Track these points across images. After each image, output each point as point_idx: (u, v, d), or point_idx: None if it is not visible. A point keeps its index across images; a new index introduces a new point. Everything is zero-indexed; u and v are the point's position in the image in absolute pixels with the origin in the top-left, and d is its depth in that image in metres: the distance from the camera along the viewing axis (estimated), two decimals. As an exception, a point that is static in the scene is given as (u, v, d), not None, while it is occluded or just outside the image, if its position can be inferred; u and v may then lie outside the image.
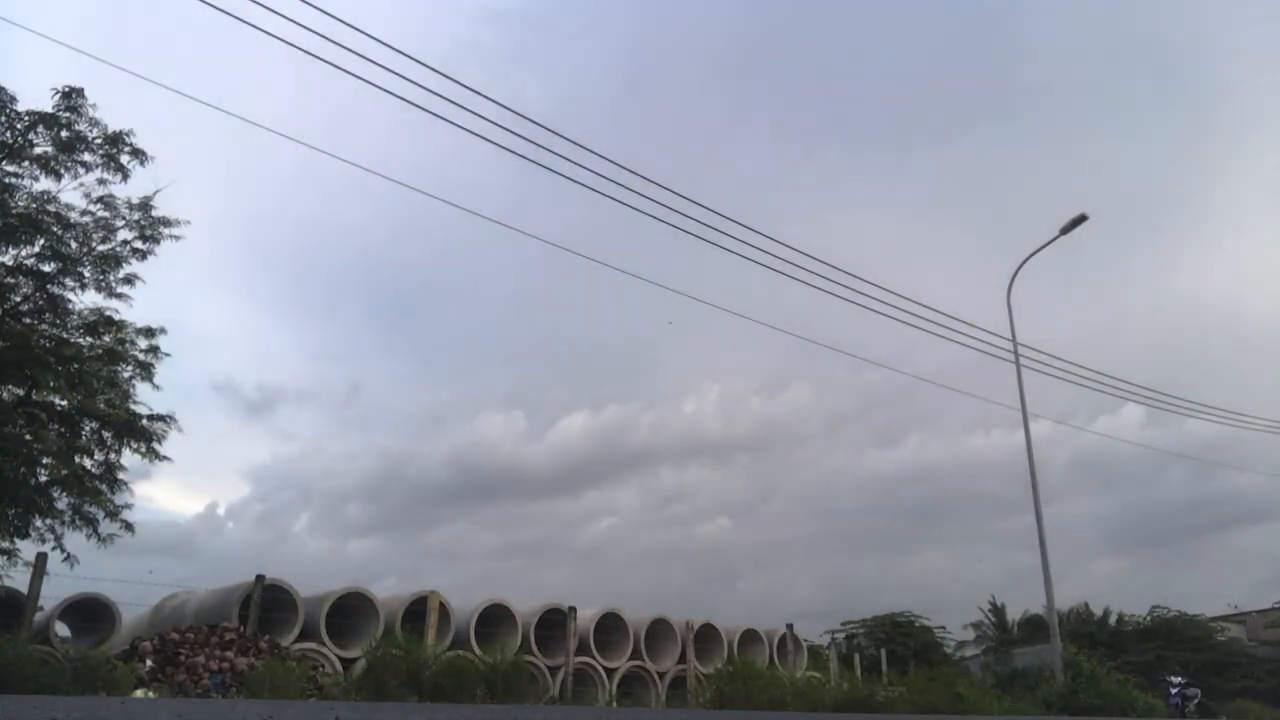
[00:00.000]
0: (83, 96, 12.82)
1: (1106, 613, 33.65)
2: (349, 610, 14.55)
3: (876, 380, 72.55)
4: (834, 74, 73.31)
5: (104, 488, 13.17)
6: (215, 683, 11.20)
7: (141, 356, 13.88)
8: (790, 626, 21.16)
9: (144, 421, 13.56)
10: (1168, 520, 58.67)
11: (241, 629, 12.47)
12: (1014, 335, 20.79)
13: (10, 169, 12.73)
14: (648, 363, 73.78)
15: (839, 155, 73.72)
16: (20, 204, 12.69)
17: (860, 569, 57.11)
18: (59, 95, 12.72)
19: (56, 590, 12.25)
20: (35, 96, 13.02)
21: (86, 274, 13.26)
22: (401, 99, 11.73)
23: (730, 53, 71.59)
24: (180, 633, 11.99)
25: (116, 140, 13.09)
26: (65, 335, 13.21)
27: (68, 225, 13.01)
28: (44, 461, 12.76)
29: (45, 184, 12.95)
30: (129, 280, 13.61)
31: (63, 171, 12.99)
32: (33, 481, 12.45)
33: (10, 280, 12.82)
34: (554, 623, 16.33)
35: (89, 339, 13.53)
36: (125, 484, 13.57)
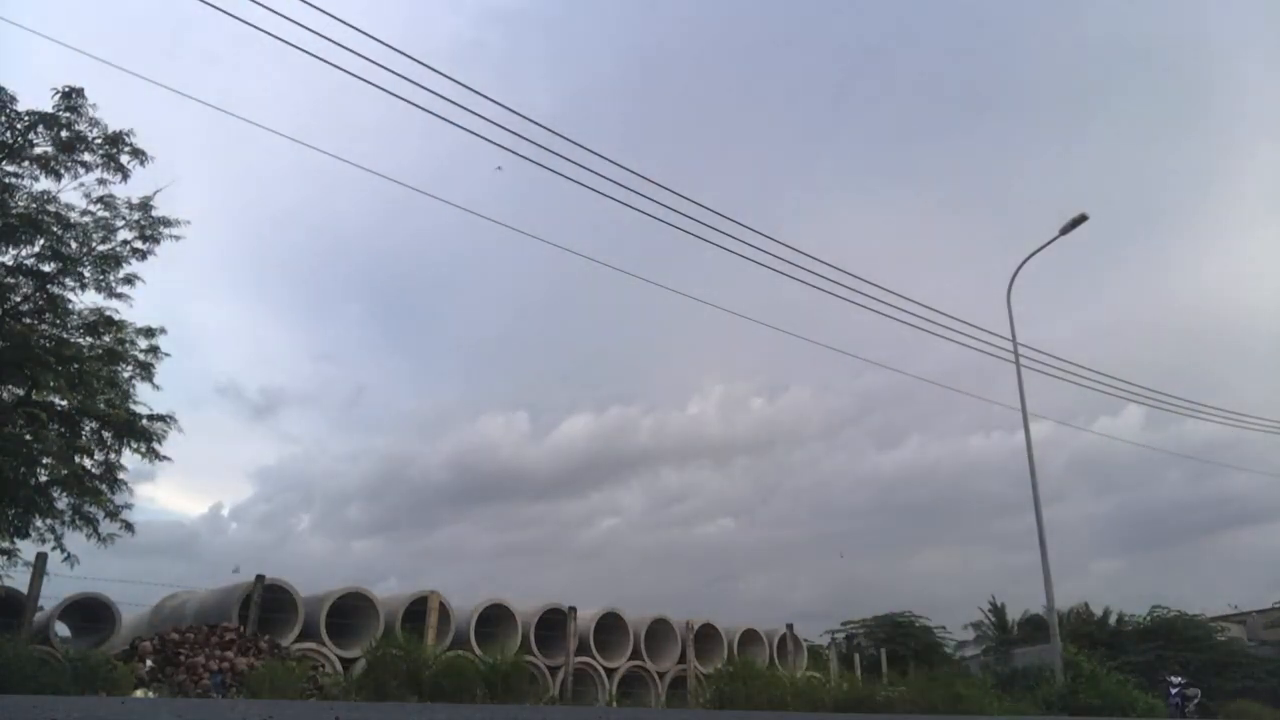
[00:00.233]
0: (83, 96, 12.82)
1: (1106, 613, 33.64)
2: (349, 610, 14.55)
3: (877, 382, 72.61)
4: (834, 74, 73.33)
5: (104, 488, 13.16)
6: (215, 683, 11.20)
7: (141, 356, 13.88)
8: (790, 626, 21.16)
9: (144, 421, 13.55)
10: (1167, 521, 58.74)
11: (241, 629, 12.47)
12: (1014, 335, 20.81)
13: (10, 169, 12.72)
14: (649, 364, 73.89)
15: (839, 156, 73.76)
16: (20, 204, 12.69)
17: (860, 569, 57.11)
18: (59, 95, 12.72)
19: (56, 590, 12.27)
20: (35, 96, 13.03)
21: (86, 274, 13.26)
22: (404, 100, 11.75)
23: (731, 53, 71.62)
24: (180, 633, 11.99)
25: (116, 140, 13.09)
26: (65, 335, 13.20)
27: (68, 225, 13.00)
28: (44, 461, 12.76)
29: (45, 184, 12.97)
30: (129, 280, 13.61)
31: (63, 171, 12.99)
32: (33, 481, 12.45)
33: (10, 280, 12.82)
34: (554, 623, 16.33)
35: (89, 339, 13.52)
36: (125, 484, 13.58)
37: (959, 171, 69.10)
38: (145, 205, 13.54)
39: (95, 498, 12.88)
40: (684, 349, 72.73)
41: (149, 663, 11.27)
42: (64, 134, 12.82)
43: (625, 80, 72.32)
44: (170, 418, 13.78)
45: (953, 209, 68.42)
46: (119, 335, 13.64)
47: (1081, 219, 20.36)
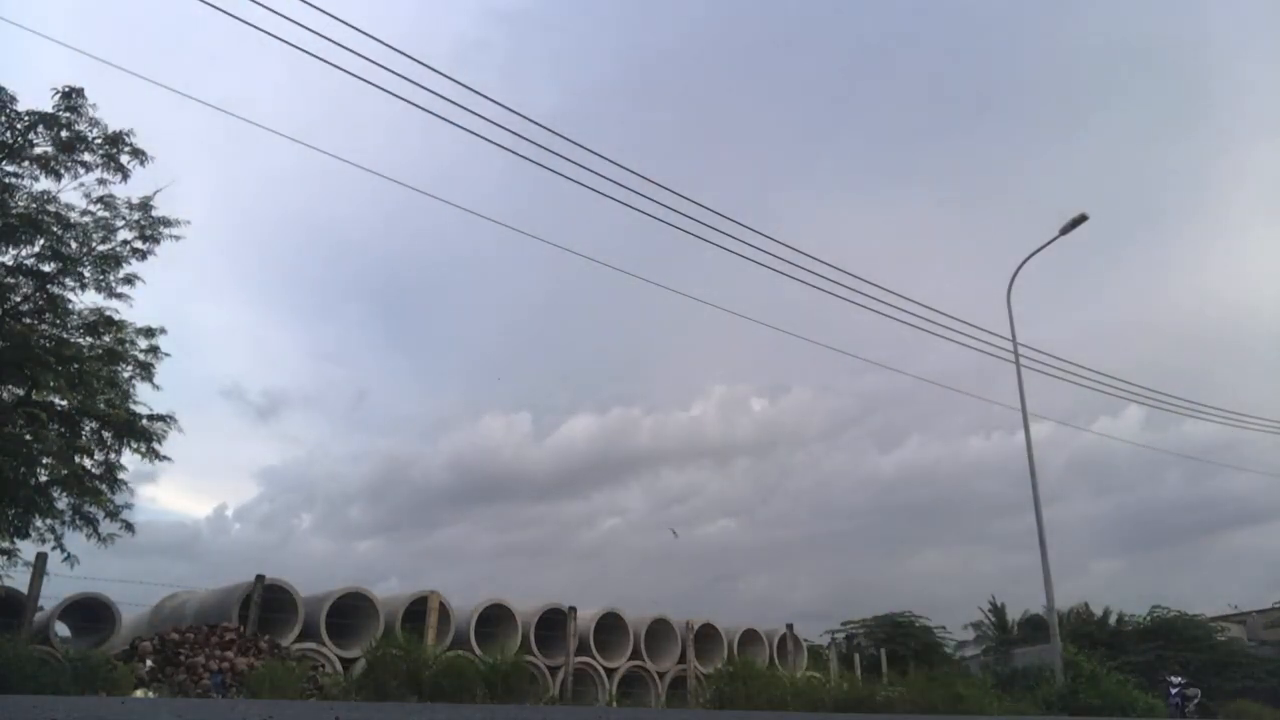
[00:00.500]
0: (83, 96, 12.82)
1: (1106, 613, 33.63)
2: (349, 610, 14.55)
3: (877, 383, 72.75)
4: (835, 74, 73.32)
5: (104, 488, 13.16)
6: (215, 683, 11.20)
7: (141, 356, 13.87)
8: (790, 626, 21.16)
9: (144, 421, 13.54)
10: (1167, 521, 58.77)
11: (241, 629, 12.47)
12: (1014, 335, 20.81)
13: (10, 169, 12.72)
14: (651, 365, 73.90)
15: (839, 156, 73.75)
16: (20, 204, 12.68)
17: (860, 569, 57.14)
18: (59, 95, 12.71)
19: (56, 590, 12.26)
20: (35, 96, 13.03)
21: (86, 274, 13.25)
22: (406, 101, 11.75)
23: (732, 53, 71.62)
24: (180, 633, 11.99)
25: (116, 140, 13.09)
26: (65, 335, 13.20)
27: (68, 225, 12.99)
28: (44, 461, 12.75)
29: (45, 184, 12.96)
30: (129, 280, 13.60)
31: (63, 171, 12.98)
32: (33, 481, 12.44)
33: (10, 280, 12.81)
34: (554, 623, 16.33)
35: (89, 339, 13.52)
36: (125, 484, 13.57)
37: (959, 171, 69.15)
38: (145, 205, 13.54)
39: (95, 498, 12.87)
40: (685, 350, 72.81)
41: (149, 663, 11.27)
42: (64, 134, 12.82)
43: (627, 80, 72.36)
44: (170, 418, 13.78)
45: (953, 209, 68.46)
46: (119, 335, 13.63)
47: (1081, 219, 20.36)
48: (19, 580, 12.53)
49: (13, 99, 12.49)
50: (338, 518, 58.29)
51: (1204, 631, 31.10)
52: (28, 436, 12.46)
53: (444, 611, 14.93)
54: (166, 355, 14.03)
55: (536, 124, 12.97)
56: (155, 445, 13.62)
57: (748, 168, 69.79)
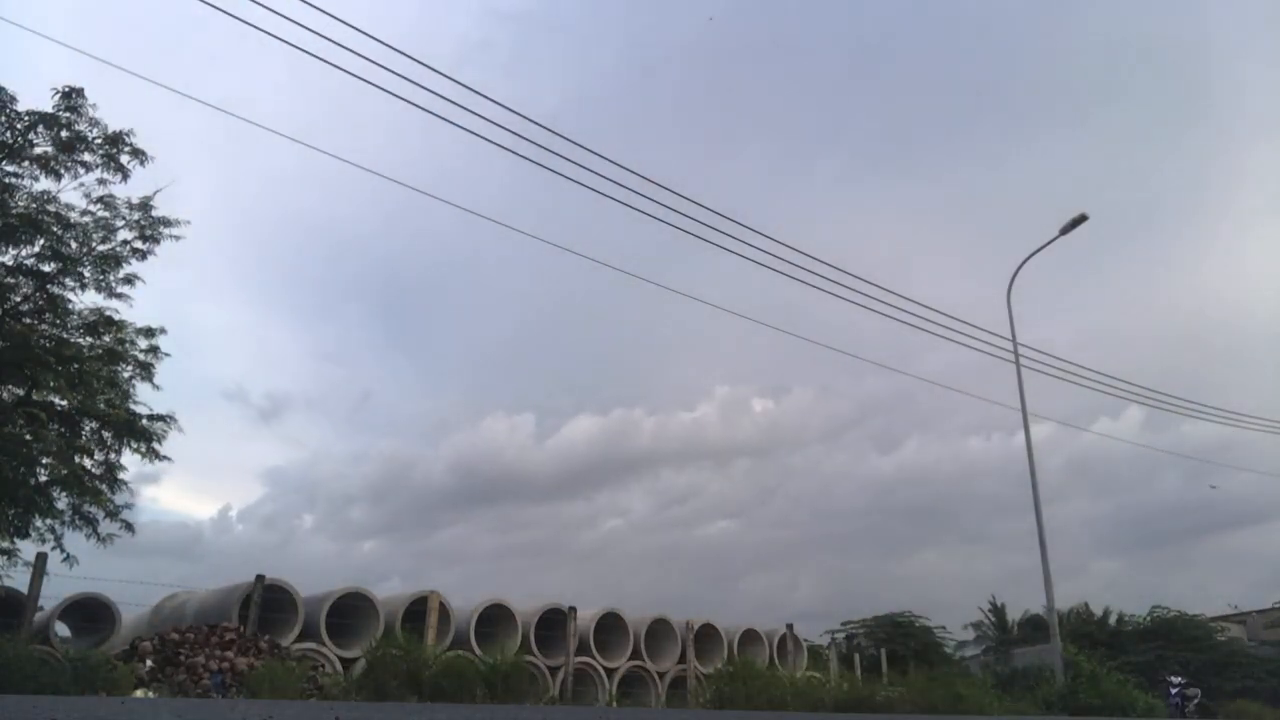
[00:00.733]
0: (83, 96, 12.81)
1: (1106, 613, 33.64)
2: (349, 610, 14.54)
3: (878, 384, 72.75)
4: (836, 75, 73.32)
5: (104, 488, 13.15)
6: (215, 683, 11.19)
7: (141, 356, 13.86)
8: (790, 626, 21.16)
9: (144, 421, 13.54)
10: (1166, 521, 58.78)
11: (241, 629, 12.46)
12: (1014, 335, 20.82)
13: (10, 169, 12.71)
14: (652, 366, 73.90)
15: (840, 156, 73.75)
16: (20, 204, 12.68)
17: (861, 570, 57.15)
18: (59, 95, 12.71)
19: (56, 590, 12.25)
20: (35, 96, 13.03)
21: (86, 274, 13.24)
22: (407, 101, 11.75)
23: (734, 54, 71.60)
24: (180, 633, 11.99)
25: (116, 140, 13.08)
26: (65, 335, 13.19)
27: (68, 225, 12.99)
28: (44, 461, 12.74)
29: (45, 184, 12.95)
30: (129, 280, 13.59)
31: (63, 171, 12.98)
32: (33, 481, 12.43)
33: (10, 280, 12.80)
34: (554, 623, 16.32)
35: (89, 339, 13.51)
36: (125, 484, 13.56)
37: (960, 172, 69.13)
38: (145, 205, 13.53)
39: (95, 498, 12.86)
40: (687, 351, 72.85)
41: (149, 663, 11.27)
42: (64, 134, 12.81)
43: (629, 80, 72.35)
44: (170, 418, 13.77)
45: (953, 209, 68.45)
46: (119, 335, 13.62)
47: (1081, 219, 20.36)
48: (19, 580, 12.54)
49: (13, 99, 12.49)
50: (340, 518, 58.45)
51: (1204, 631, 31.11)
52: (28, 436, 12.44)
53: (444, 611, 14.93)
54: (167, 355, 14.05)
55: (538, 125, 12.98)
56: (155, 445, 13.62)
57: (749, 168, 69.84)
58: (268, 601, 13.28)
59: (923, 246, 66.38)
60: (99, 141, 13.04)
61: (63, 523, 12.82)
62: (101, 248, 13.32)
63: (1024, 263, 21.37)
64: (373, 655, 11.60)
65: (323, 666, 13.03)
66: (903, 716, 12.89)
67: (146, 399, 13.93)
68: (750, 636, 19.93)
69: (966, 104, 70.38)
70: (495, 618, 15.96)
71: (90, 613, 13.41)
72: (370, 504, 59.83)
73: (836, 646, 27.39)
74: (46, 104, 12.70)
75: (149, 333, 13.87)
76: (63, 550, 12.71)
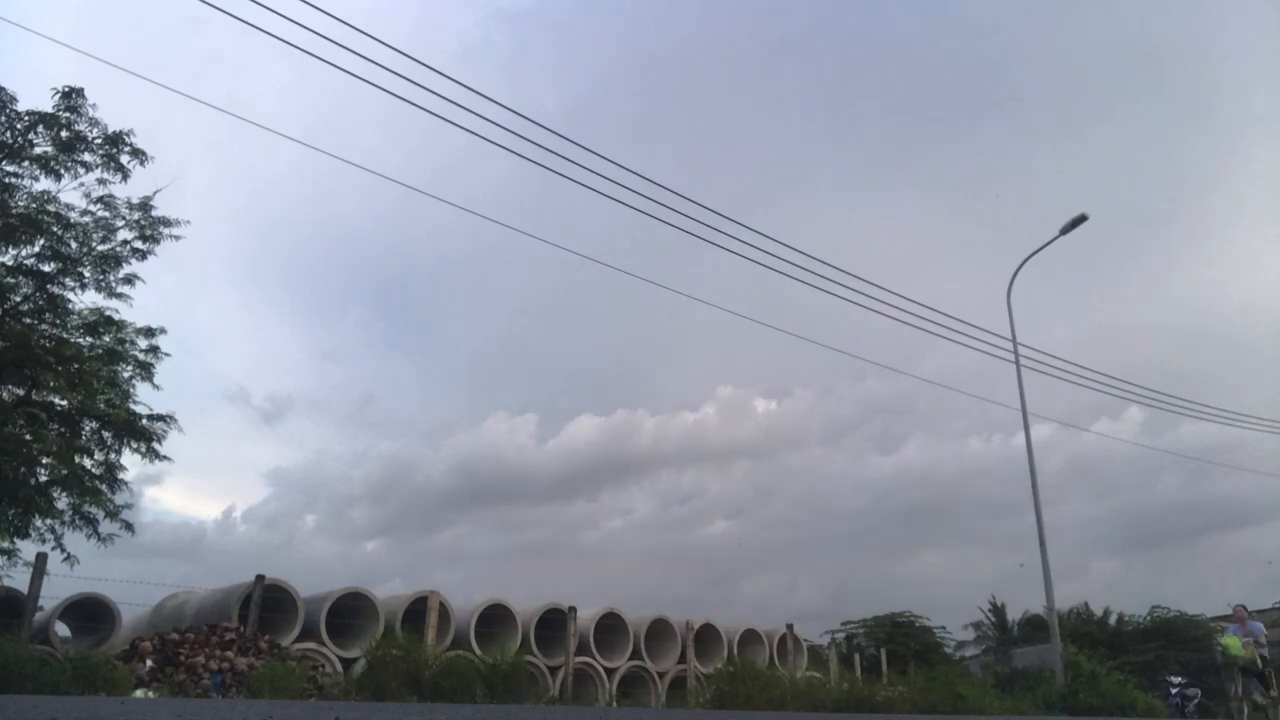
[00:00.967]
0: (83, 96, 12.82)
1: (1106, 613, 33.64)
2: (349, 610, 14.54)
3: (879, 386, 72.79)
4: (838, 75, 73.28)
5: (104, 488, 13.15)
6: (215, 683, 11.19)
7: (141, 356, 13.88)
8: (790, 626, 21.15)
9: (144, 421, 13.55)
10: (1165, 522, 58.79)
11: (241, 629, 12.46)
12: (1014, 335, 20.81)
13: (10, 169, 12.72)
14: (654, 368, 73.94)
15: (842, 156, 73.72)
16: (20, 204, 12.68)
17: (861, 570, 57.17)
18: (59, 95, 12.72)
19: (57, 590, 12.25)
20: (35, 96, 13.03)
21: (86, 274, 13.26)
22: (408, 102, 11.74)
23: (736, 55, 71.58)
24: (180, 633, 11.98)
25: (116, 140, 13.09)
26: (65, 335, 13.19)
27: (68, 225, 12.99)
28: (44, 461, 12.74)
29: (45, 184, 12.96)
30: (129, 280, 13.62)
31: (63, 171, 12.98)
32: (33, 481, 12.43)
33: (10, 280, 12.81)
34: (554, 623, 16.32)
35: (89, 339, 13.52)
36: (125, 484, 13.57)
37: (961, 172, 69.13)
38: (145, 205, 13.54)
39: (95, 498, 12.86)
40: (689, 352, 72.90)
41: (149, 663, 11.26)
42: (64, 134, 12.82)
43: (631, 80, 72.34)
44: (170, 418, 13.78)
45: (954, 210, 68.43)
46: (119, 335, 13.64)
47: (1081, 219, 20.35)
48: (19, 580, 12.54)
49: (13, 99, 12.50)
50: (342, 519, 58.49)
51: (1204, 631, 31.07)
52: (28, 436, 12.44)
53: (444, 611, 14.92)
54: (166, 355, 14.07)
55: (540, 125, 12.98)
56: (155, 445, 13.64)
57: (751, 168, 69.84)
58: (268, 601, 13.28)
59: (924, 247, 66.42)
60: (99, 141, 13.05)
61: (63, 523, 12.82)
62: (101, 248, 13.32)
63: (1024, 263, 21.38)
64: (373, 655, 11.59)
65: (323, 666, 13.02)
66: (903, 716, 12.88)
67: (146, 399, 13.96)
68: (750, 636, 19.92)
69: (968, 105, 70.39)
70: (495, 618, 15.95)
71: (90, 613, 13.40)
72: (372, 504, 59.94)
73: (836, 646, 27.41)
74: (46, 104, 12.74)
75: (149, 332, 13.89)
76: (63, 550, 12.72)
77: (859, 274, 17.68)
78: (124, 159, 13.19)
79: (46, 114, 12.66)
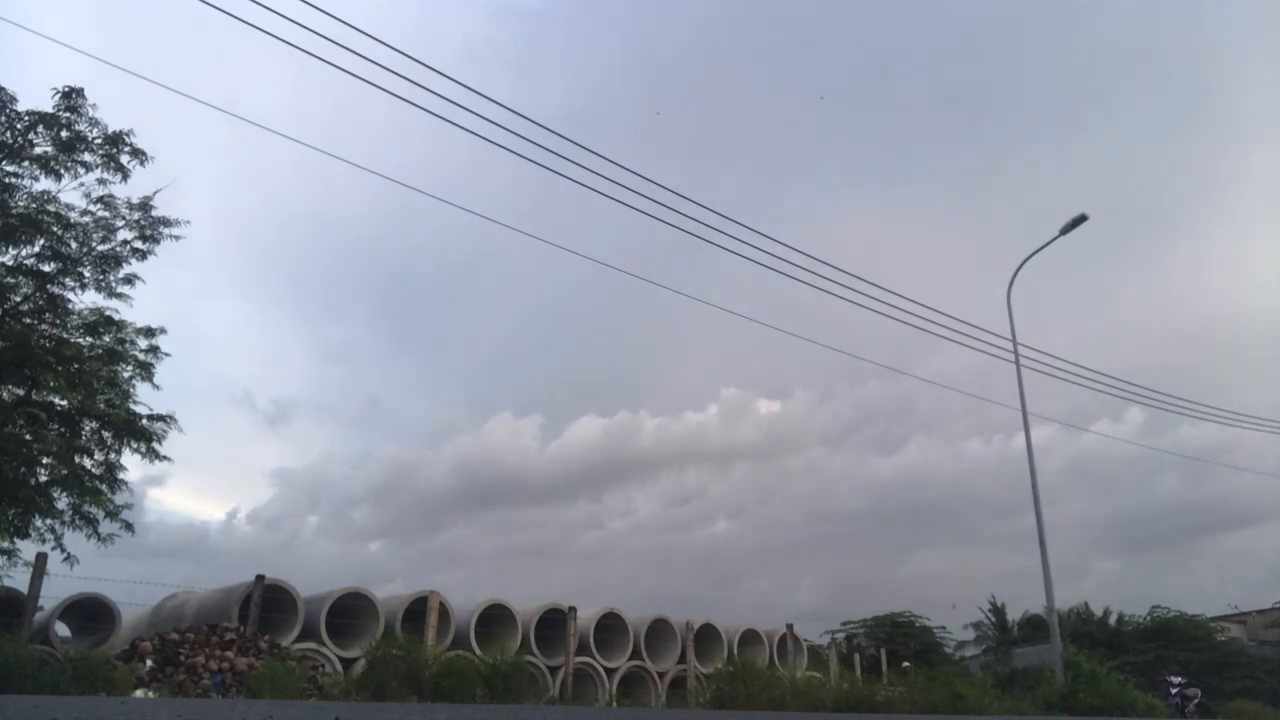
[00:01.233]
0: (83, 96, 12.81)
1: (1106, 613, 33.64)
2: (349, 610, 14.54)
3: (880, 388, 72.80)
4: (839, 76, 73.28)
5: (104, 488, 13.14)
6: (215, 683, 11.19)
7: (141, 356, 13.86)
8: (790, 626, 21.15)
9: (144, 421, 13.54)
10: (1165, 522, 58.81)
11: (241, 629, 12.45)
12: (1014, 335, 20.80)
13: (10, 169, 12.71)
14: (656, 369, 73.94)
15: (843, 157, 73.73)
16: (20, 204, 12.67)
17: (861, 571, 57.17)
18: (59, 95, 12.70)
19: (57, 590, 12.25)
20: (35, 96, 13.03)
21: (86, 274, 13.25)
22: (412, 104, 11.74)
23: (738, 56, 71.58)
24: (180, 633, 11.98)
25: (116, 140, 13.07)
26: (65, 335, 13.19)
27: (68, 225, 12.98)
28: (44, 461, 12.73)
29: (45, 184, 12.95)
30: (129, 280, 13.60)
31: (63, 171, 12.97)
32: (33, 481, 12.43)
33: (10, 280, 12.80)
34: (554, 623, 16.31)
35: (89, 339, 13.51)
36: (125, 484, 13.56)
37: (962, 173, 69.14)
38: (145, 205, 13.53)
39: (95, 498, 12.85)
40: (692, 354, 72.89)
41: (149, 663, 11.26)
42: (64, 134, 12.81)
43: (634, 80, 72.34)
44: (170, 418, 13.77)
45: (955, 211, 68.43)
46: (119, 335, 13.62)
47: (1081, 219, 20.34)
48: (19, 580, 12.53)
49: (13, 99, 12.49)
50: (344, 520, 58.53)
51: (1204, 631, 31.09)
52: (28, 436, 12.43)
53: (444, 611, 14.92)
54: (167, 355, 14.06)
55: (544, 127, 12.97)
56: (155, 445, 13.63)
57: (753, 168, 69.86)
58: (268, 601, 13.27)
59: (924, 248, 66.42)
60: (99, 141, 13.04)
61: (63, 523, 12.81)
62: (101, 248, 13.31)
63: (1024, 262, 21.37)
64: (373, 655, 11.58)
65: (323, 666, 13.02)
66: (903, 716, 12.87)
67: (147, 399, 13.95)
68: (750, 636, 19.92)
69: (969, 106, 70.39)
70: (495, 618, 15.95)
71: (90, 613, 13.40)
72: (374, 505, 59.98)
73: (836, 646, 27.41)
74: (46, 104, 12.72)
75: (149, 333, 13.88)
76: (63, 550, 12.71)
77: (860, 275, 17.69)
78: (124, 159, 13.19)
79: (46, 114, 12.65)
